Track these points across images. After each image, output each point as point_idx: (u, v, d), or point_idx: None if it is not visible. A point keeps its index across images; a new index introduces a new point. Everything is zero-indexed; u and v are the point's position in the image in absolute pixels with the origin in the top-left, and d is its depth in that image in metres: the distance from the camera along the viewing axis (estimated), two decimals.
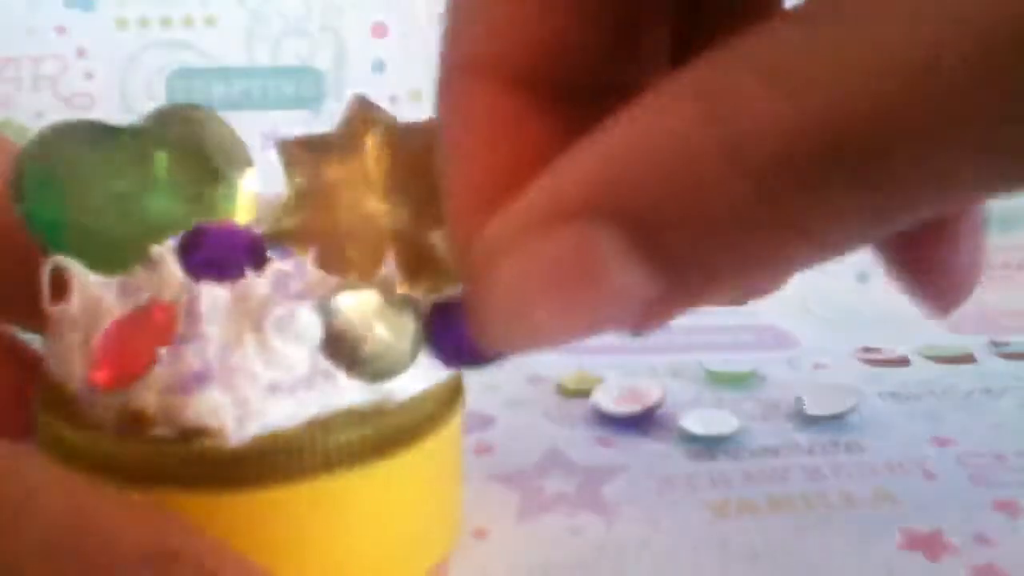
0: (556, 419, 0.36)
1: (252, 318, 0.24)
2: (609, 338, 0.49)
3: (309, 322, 0.24)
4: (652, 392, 0.36)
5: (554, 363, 0.41)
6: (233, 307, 0.24)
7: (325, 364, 0.24)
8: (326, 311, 0.24)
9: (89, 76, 0.49)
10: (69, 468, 0.24)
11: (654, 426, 0.35)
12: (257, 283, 0.24)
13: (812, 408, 0.35)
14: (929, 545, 0.27)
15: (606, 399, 0.36)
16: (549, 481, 0.31)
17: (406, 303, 0.25)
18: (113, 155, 0.28)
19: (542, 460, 0.33)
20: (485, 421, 0.36)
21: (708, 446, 0.33)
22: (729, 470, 0.32)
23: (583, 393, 0.37)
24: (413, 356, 0.25)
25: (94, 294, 0.25)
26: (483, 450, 0.33)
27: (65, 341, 0.25)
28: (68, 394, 0.24)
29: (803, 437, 0.34)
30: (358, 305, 0.24)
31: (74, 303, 0.25)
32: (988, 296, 0.49)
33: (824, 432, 0.34)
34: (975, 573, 0.26)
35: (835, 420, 0.35)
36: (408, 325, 0.25)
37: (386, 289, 0.25)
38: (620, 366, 0.41)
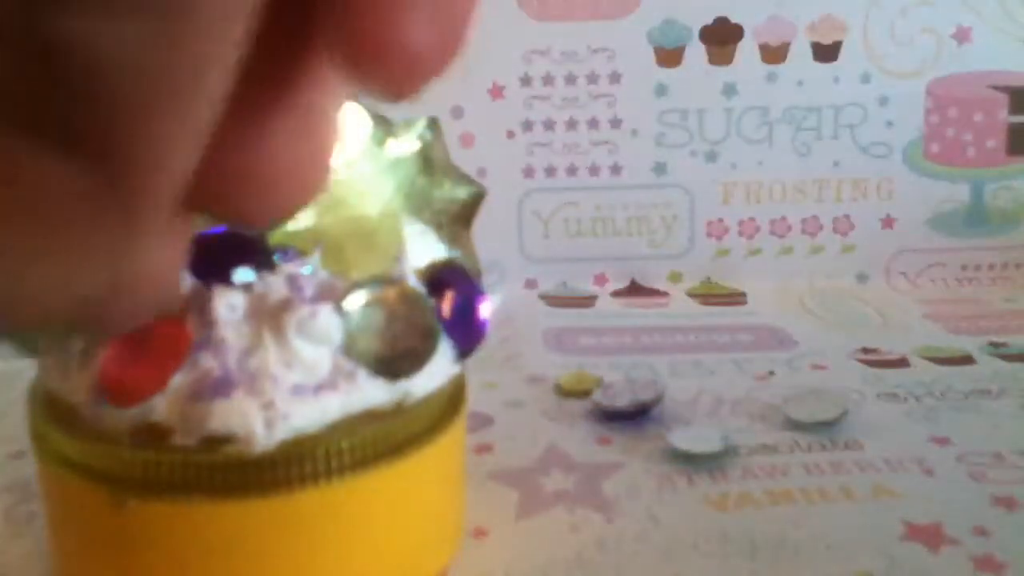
0: (555, 419, 0.36)
1: (271, 321, 0.23)
2: (609, 338, 0.49)
3: (330, 322, 0.23)
4: (652, 391, 0.36)
5: (553, 363, 0.41)
6: (250, 311, 0.23)
7: (347, 364, 0.24)
8: (345, 311, 0.24)
9: None
10: (77, 479, 0.23)
11: (653, 424, 0.35)
12: (273, 286, 0.24)
13: (799, 415, 0.35)
14: (929, 536, 0.28)
15: (606, 398, 0.36)
16: (548, 478, 0.32)
17: (422, 300, 0.25)
18: None
19: (541, 459, 0.33)
20: (485, 421, 0.36)
21: (699, 465, 0.32)
22: (728, 465, 0.32)
23: (582, 393, 0.38)
24: (431, 352, 0.25)
25: None
26: (483, 450, 0.34)
27: (63, 351, 0.24)
28: (67, 404, 0.24)
29: (802, 436, 0.34)
30: (376, 304, 0.24)
31: None
32: (987, 296, 0.49)
33: (823, 432, 0.34)
34: (974, 563, 0.26)
35: (826, 426, 0.35)
36: (425, 322, 0.25)
37: (401, 287, 0.25)
38: (620, 366, 0.41)
